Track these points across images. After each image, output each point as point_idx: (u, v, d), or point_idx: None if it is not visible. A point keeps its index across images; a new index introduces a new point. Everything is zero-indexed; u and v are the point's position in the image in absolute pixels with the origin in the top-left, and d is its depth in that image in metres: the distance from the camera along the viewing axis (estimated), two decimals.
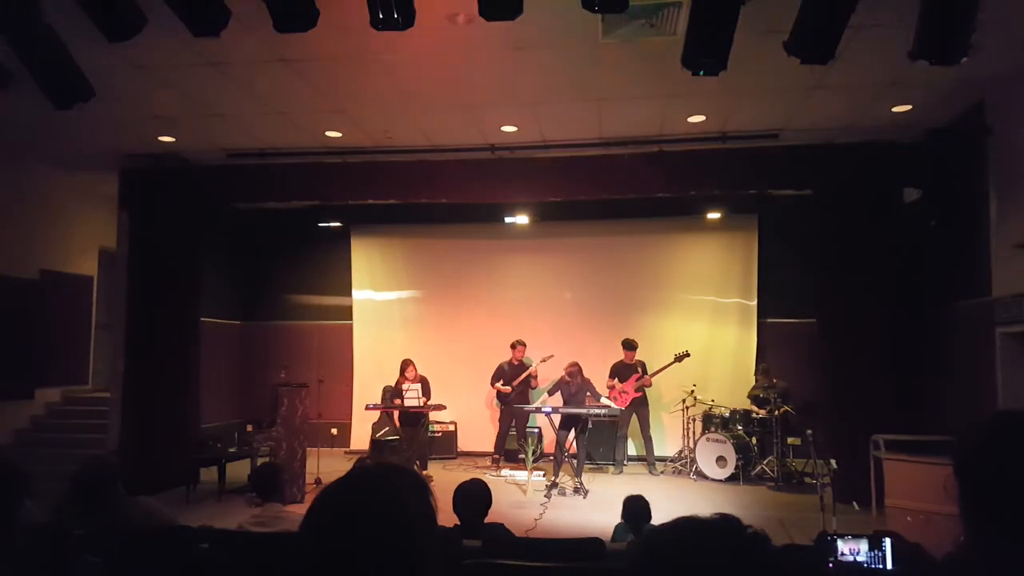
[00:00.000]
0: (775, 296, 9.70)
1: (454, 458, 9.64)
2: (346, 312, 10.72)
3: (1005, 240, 5.77)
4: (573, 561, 2.98)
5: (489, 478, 7.89)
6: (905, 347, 7.05)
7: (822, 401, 7.59)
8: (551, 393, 8.19)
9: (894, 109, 6.38)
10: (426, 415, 8.60)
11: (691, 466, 8.50)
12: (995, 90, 5.91)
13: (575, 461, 7.80)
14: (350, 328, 10.63)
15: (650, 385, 8.95)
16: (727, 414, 8.51)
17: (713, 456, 8.23)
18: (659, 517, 3.90)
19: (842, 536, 2.60)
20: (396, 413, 8.56)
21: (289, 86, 5.92)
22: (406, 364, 8.54)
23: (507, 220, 10.01)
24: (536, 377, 9.11)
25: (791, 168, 7.37)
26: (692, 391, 8.69)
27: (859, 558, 2.54)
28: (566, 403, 7.91)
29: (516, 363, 9.19)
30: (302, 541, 1.02)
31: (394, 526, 1.01)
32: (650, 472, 8.77)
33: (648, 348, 9.12)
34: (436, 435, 9.57)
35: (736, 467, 8.03)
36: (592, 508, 6.87)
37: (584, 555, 3.04)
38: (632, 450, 9.27)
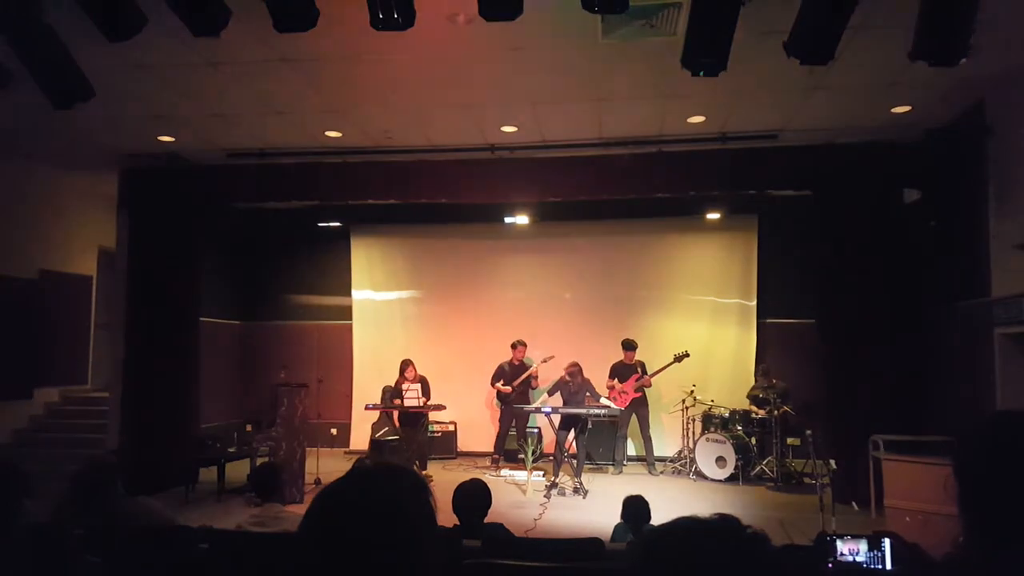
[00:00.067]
0: (775, 296, 9.70)
1: (454, 458, 9.64)
2: (346, 312, 10.72)
3: (1005, 241, 5.77)
4: (572, 561, 2.98)
5: (489, 478, 7.89)
6: (904, 347, 7.05)
7: (821, 401, 7.59)
8: (551, 393, 8.19)
9: (894, 110, 6.38)
10: (426, 415, 8.60)
11: (691, 466, 8.50)
12: (995, 90, 5.91)
13: (575, 461, 7.80)
14: (350, 328, 10.63)
15: (650, 385, 8.95)
16: (727, 414, 8.51)
17: (713, 456, 8.23)
18: (658, 517, 3.90)
19: (841, 536, 2.60)
20: (396, 413, 8.56)
21: (289, 86, 5.91)
22: (406, 364, 8.54)
23: (507, 220, 10.01)
24: (537, 377, 9.11)
25: (791, 168, 7.37)
26: (692, 391, 8.69)
27: (858, 558, 2.54)
28: (566, 403, 7.91)
29: (516, 363, 9.19)
30: (301, 541, 1.02)
31: (393, 526, 1.01)
32: (650, 472, 8.77)
33: (648, 348, 9.12)
34: (436, 435, 9.57)
35: (735, 467, 8.03)
36: (592, 508, 6.87)
37: (583, 555, 3.04)
38: (632, 450, 9.27)
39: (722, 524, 0.92)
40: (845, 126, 6.76)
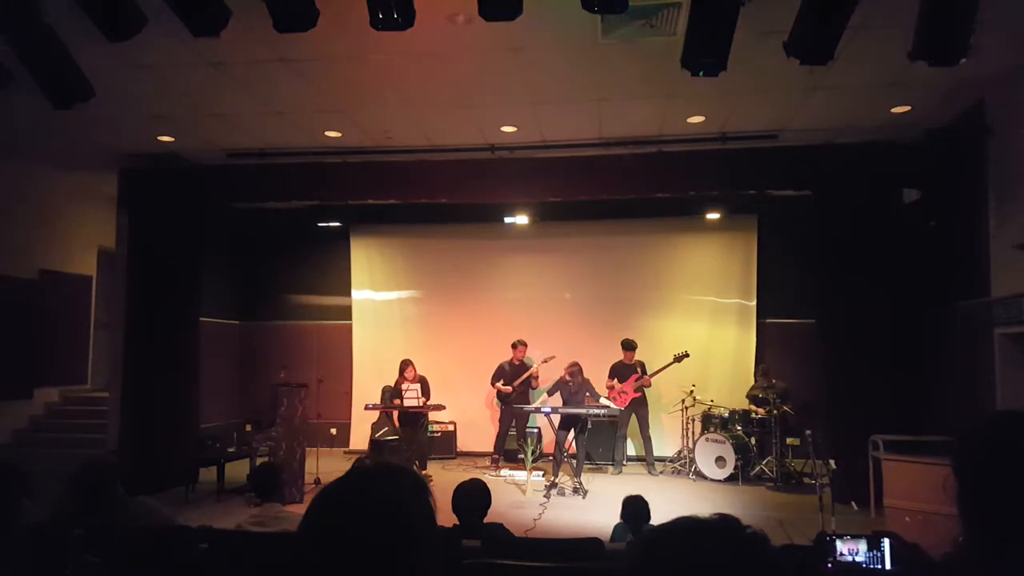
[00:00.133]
0: (774, 296, 9.70)
1: (453, 458, 9.64)
2: (345, 312, 10.72)
3: (1004, 240, 5.77)
4: (572, 561, 2.98)
5: (488, 478, 7.90)
6: (904, 347, 7.05)
7: (821, 401, 7.59)
8: (551, 393, 8.19)
9: (893, 109, 6.38)
10: (425, 415, 8.60)
11: (690, 466, 8.50)
12: (995, 90, 5.91)
13: (574, 461, 7.81)
14: (349, 328, 10.63)
15: (649, 385, 8.95)
16: (726, 414, 8.51)
17: (712, 456, 8.23)
18: (658, 517, 3.90)
19: (841, 536, 2.60)
20: (395, 413, 8.56)
21: (289, 86, 5.92)
22: (405, 364, 8.53)
23: (507, 220, 10.01)
24: (537, 378, 9.11)
25: (790, 168, 7.37)
26: (691, 391, 8.69)
27: (858, 558, 2.54)
28: (566, 403, 7.91)
29: (517, 363, 9.19)
30: (301, 541, 1.02)
31: (393, 526, 1.01)
32: (649, 472, 8.77)
33: (647, 348, 9.12)
34: (435, 435, 9.57)
35: (735, 467, 8.03)
36: (591, 508, 6.87)
37: (583, 555, 3.04)
38: (631, 450, 9.27)
39: (722, 524, 0.92)
40: (845, 126, 6.76)
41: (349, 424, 10.29)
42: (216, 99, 6.24)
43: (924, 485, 5.22)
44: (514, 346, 9.21)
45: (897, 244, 7.17)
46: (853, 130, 6.83)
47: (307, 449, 7.47)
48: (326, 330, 10.84)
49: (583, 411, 7.65)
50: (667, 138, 7.18)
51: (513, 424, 9.10)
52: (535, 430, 9.06)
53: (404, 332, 10.43)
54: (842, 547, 2.56)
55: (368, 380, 9.98)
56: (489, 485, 3.75)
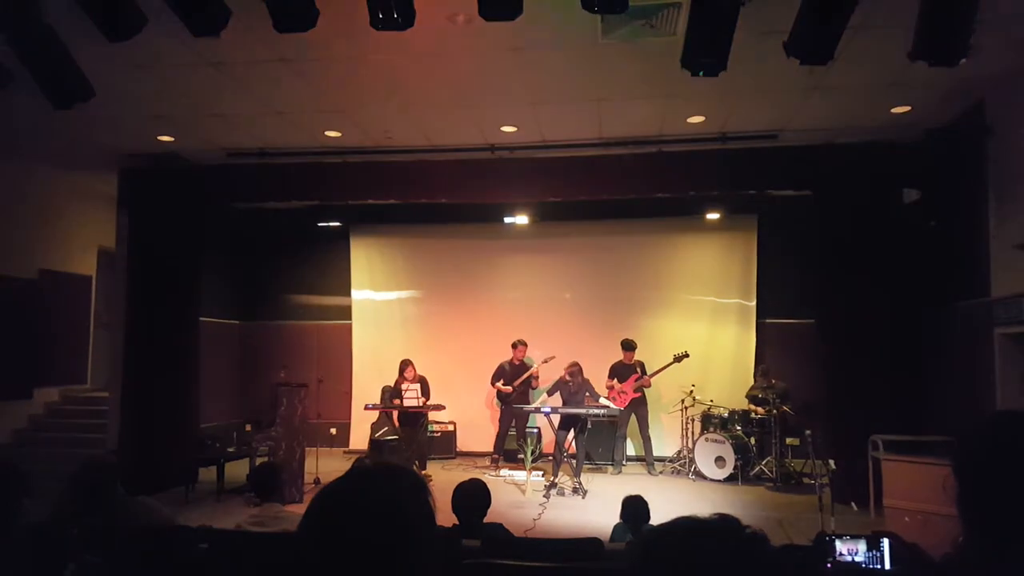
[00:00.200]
0: (774, 296, 9.70)
1: (453, 458, 9.64)
2: (345, 312, 10.72)
3: (1004, 241, 5.77)
4: (572, 561, 2.98)
5: (488, 478, 7.90)
6: (904, 347, 7.05)
7: (821, 401, 7.59)
8: (550, 393, 8.19)
9: (893, 110, 6.38)
10: (425, 415, 8.60)
11: (690, 466, 8.50)
12: (995, 90, 5.91)
13: (574, 461, 7.81)
14: (349, 328, 10.64)
15: (649, 385, 8.95)
16: (726, 414, 8.51)
17: (712, 456, 8.23)
18: (658, 517, 3.90)
19: (840, 536, 2.60)
20: (395, 413, 8.56)
21: (289, 86, 5.91)
22: (405, 364, 8.53)
23: (507, 220, 10.01)
24: (537, 378, 9.11)
25: (790, 168, 7.37)
26: (691, 391, 8.69)
27: (857, 558, 2.54)
28: (565, 403, 7.91)
29: (517, 363, 9.19)
30: (301, 541, 1.02)
31: (392, 526, 1.01)
32: (649, 472, 8.77)
33: (647, 348, 9.12)
34: (435, 435, 9.57)
35: (735, 467, 8.03)
36: (591, 508, 6.87)
37: (583, 555, 3.04)
38: (631, 450, 9.27)
39: (721, 524, 0.92)
40: (845, 126, 6.76)
41: (349, 424, 10.29)
42: (216, 99, 6.24)
43: (924, 485, 5.22)
44: (514, 346, 9.21)
45: (897, 244, 7.17)
46: (853, 130, 6.83)
47: (307, 449, 7.47)
48: (326, 330, 10.84)
49: (583, 411, 7.65)
50: (667, 138, 7.18)
51: (513, 424, 9.11)
52: (535, 430, 9.07)
53: (404, 332, 10.43)
54: (841, 547, 2.56)
55: (368, 380, 9.98)
56: (489, 485, 3.75)
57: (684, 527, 0.94)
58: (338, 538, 1.00)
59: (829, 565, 2.55)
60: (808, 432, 6.79)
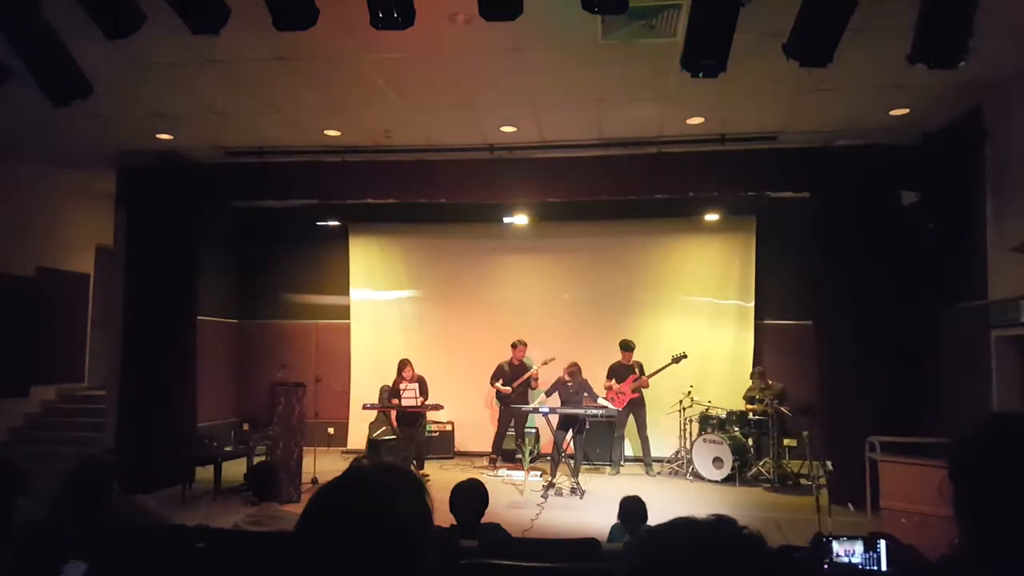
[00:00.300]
0: (772, 298, 9.71)
1: (451, 458, 9.63)
2: (344, 311, 10.71)
3: (1002, 243, 5.78)
4: (569, 561, 2.98)
5: (486, 478, 7.89)
6: (901, 350, 7.06)
7: (818, 403, 7.60)
8: (549, 393, 8.19)
9: (892, 112, 6.39)
10: (423, 415, 8.59)
11: (687, 467, 8.50)
12: (993, 93, 5.93)
13: (572, 461, 7.81)
14: (348, 327, 10.63)
15: (647, 386, 8.95)
16: (724, 415, 8.52)
17: (709, 457, 8.23)
18: (655, 518, 3.91)
19: (837, 538, 2.60)
20: (393, 413, 8.55)
21: (288, 84, 5.91)
22: (403, 364, 8.52)
23: (506, 220, 10.02)
24: (537, 379, 9.11)
25: (789, 170, 7.38)
26: (689, 392, 8.69)
27: (854, 560, 2.54)
28: (564, 403, 7.91)
29: (516, 363, 9.19)
30: (298, 540, 1.02)
31: (390, 526, 1.01)
32: (647, 473, 8.77)
33: (645, 349, 9.12)
34: (433, 435, 9.56)
35: (732, 468, 8.03)
36: (588, 509, 6.87)
37: (580, 555, 3.04)
38: (629, 451, 9.27)
39: (718, 525, 0.92)
40: (844, 128, 6.77)
41: (347, 423, 10.27)
42: (215, 97, 6.23)
43: (921, 487, 5.23)
44: (514, 346, 9.20)
45: (895, 246, 7.18)
46: (852, 132, 6.84)
47: (304, 448, 7.46)
48: (324, 329, 10.83)
49: (581, 411, 7.65)
50: (667, 139, 7.19)
51: (511, 424, 9.10)
52: (533, 430, 9.06)
53: (402, 332, 10.42)
54: (838, 548, 2.57)
55: (366, 379, 9.97)
56: (487, 485, 3.75)
57: (681, 528, 0.94)
58: (335, 538, 1.00)
59: (826, 566, 2.55)
60: (805, 433, 6.82)
